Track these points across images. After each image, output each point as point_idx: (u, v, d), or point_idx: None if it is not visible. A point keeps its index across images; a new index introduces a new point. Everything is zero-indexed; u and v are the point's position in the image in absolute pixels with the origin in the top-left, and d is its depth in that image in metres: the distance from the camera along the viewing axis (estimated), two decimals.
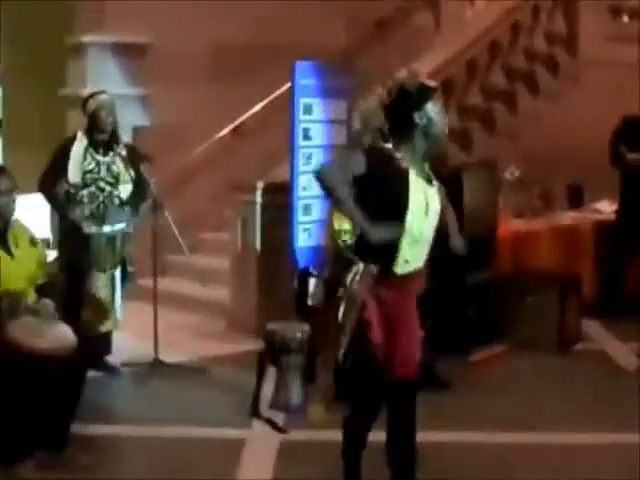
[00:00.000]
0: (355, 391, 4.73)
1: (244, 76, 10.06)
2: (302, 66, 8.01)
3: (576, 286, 8.47)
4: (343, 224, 6.90)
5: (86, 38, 9.73)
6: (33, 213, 7.80)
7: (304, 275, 7.27)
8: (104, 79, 9.61)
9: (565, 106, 10.40)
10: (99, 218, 7.15)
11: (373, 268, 4.49)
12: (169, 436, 6.13)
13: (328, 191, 4.46)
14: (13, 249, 5.70)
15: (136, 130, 9.83)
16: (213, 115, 9.95)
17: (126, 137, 9.49)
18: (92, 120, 7.22)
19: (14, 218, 5.82)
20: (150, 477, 5.47)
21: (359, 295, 4.49)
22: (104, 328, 7.33)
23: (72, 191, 7.18)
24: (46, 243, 7.42)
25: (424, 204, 4.51)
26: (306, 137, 8.03)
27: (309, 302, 7.15)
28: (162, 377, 7.33)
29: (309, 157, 8.05)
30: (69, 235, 7.23)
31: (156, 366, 7.42)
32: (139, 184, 7.37)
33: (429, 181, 4.60)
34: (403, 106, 4.52)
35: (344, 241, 6.87)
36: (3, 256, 5.61)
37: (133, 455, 5.90)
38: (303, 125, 8.01)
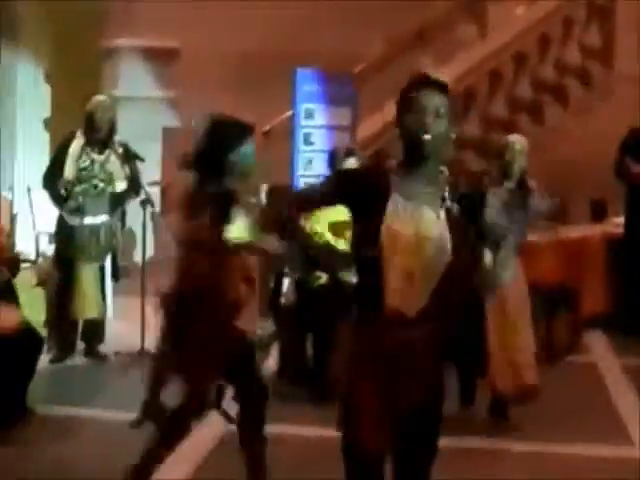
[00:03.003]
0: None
1: (271, 83, 10.29)
2: (303, 72, 8.26)
3: (568, 300, 8.43)
4: (315, 226, 7.11)
5: (118, 42, 10.12)
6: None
7: (279, 275, 7.48)
8: (134, 82, 10.01)
9: (594, 120, 10.35)
10: (83, 211, 7.52)
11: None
12: (119, 420, 6.37)
13: None
14: None
15: (165, 130, 10.19)
16: None
17: (155, 137, 9.95)
18: (89, 120, 7.60)
19: None
20: (75, 457, 5.75)
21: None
22: (88, 315, 7.68)
23: (68, 187, 7.55)
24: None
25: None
26: (307, 142, 8.27)
27: (282, 301, 7.35)
28: (146, 366, 7.56)
29: (310, 161, 8.29)
30: (60, 228, 7.67)
31: (143, 355, 7.70)
32: (132, 181, 7.69)
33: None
34: None
35: (316, 242, 7.08)
36: None
37: (76, 436, 6.17)
38: (304, 130, 8.25)
